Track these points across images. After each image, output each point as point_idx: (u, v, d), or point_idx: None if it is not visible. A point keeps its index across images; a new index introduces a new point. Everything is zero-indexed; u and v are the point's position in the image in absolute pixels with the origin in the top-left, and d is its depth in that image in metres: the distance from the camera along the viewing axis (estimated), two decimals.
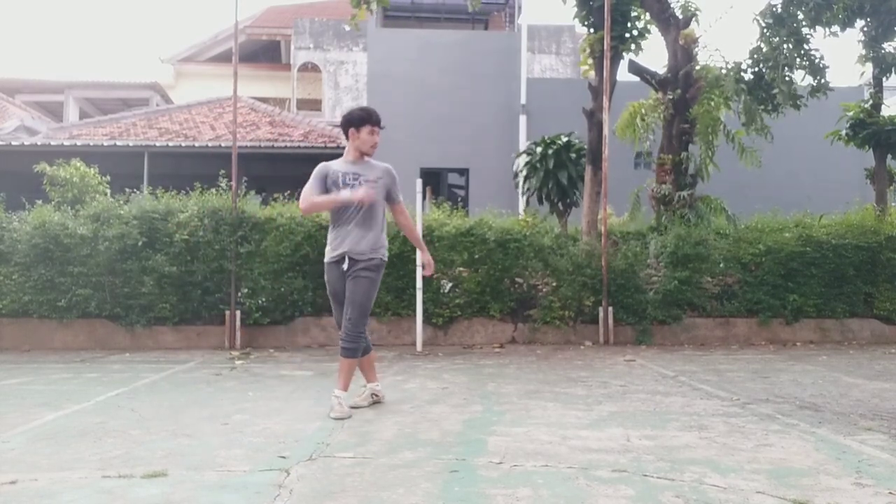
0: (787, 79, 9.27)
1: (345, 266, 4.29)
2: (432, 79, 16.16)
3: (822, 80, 9.49)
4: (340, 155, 4.65)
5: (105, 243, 7.64)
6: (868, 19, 9.92)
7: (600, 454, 3.28)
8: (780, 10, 9.21)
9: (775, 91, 9.19)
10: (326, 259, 4.42)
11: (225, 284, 7.88)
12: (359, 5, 9.63)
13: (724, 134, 10.08)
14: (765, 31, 9.29)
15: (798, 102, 9.40)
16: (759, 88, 9.46)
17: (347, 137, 4.40)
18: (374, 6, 9.82)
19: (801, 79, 9.61)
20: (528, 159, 10.50)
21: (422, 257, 4.87)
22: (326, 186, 4.34)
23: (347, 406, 4.22)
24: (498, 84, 16.38)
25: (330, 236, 4.41)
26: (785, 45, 9.24)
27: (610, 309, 8.07)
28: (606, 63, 9.00)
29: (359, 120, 4.35)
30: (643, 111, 10.21)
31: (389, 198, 4.45)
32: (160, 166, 14.66)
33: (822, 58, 9.45)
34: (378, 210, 4.37)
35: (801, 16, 9.21)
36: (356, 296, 4.24)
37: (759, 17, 9.32)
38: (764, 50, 9.33)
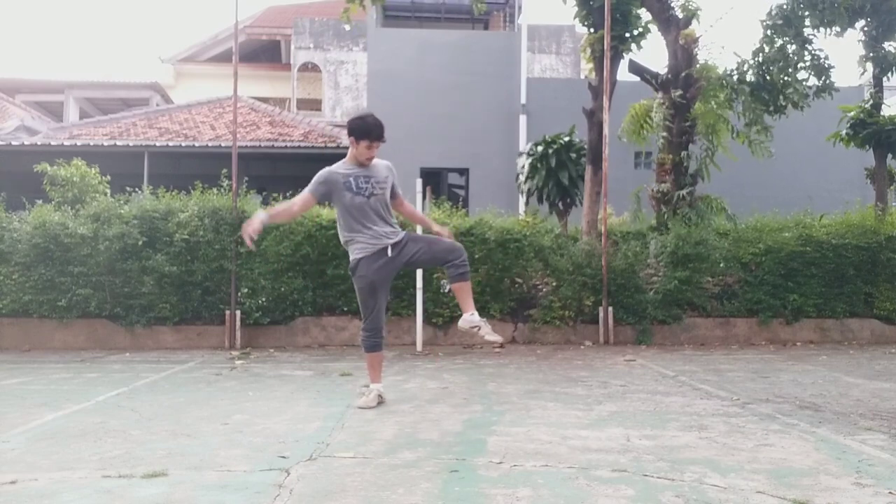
0: (798, 80, 9.28)
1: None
2: (432, 78, 16.15)
3: (828, 81, 9.49)
4: (340, 155, 4.67)
5: (105, 243, 7.64)
6: (868, 19, 9.92)
7: (600, 454, 3.28)
8: (788, 11, 9.19)
9: (790, 91, 9.19)
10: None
11: (225, 284, 7.88)
12: (352, 0, 9.67)
13: (728, 130, 10.09)
14: (770, 32, 9.27)
15: (802, 104, 9.40)
16: (761, 90, 9.44)
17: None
18: (367, 2, 9.85)
19: (806, 79, 9.61)
20: (530, 160, 10.50)
21: (438, 229, 4.76)
22: (330, 191, 4.42)
23: (372, 397, 4.45)
24: (498, 84, 16.36)
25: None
26: (790, 46, 9.23)
27: (610, 309, 8.07)
28: (606, 63, 9.00)
29: (359, 132, 4.38)
30: (653, 112, 10.17)
31: (393, 193, 4.55)
32: (160, 166, 14.67)
33: (826, 57, 9.44)
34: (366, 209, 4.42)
35: (806, 16, 9.20)
36: None
37: (766, 19, 9.29)
38: (766, 51, 9.31)
